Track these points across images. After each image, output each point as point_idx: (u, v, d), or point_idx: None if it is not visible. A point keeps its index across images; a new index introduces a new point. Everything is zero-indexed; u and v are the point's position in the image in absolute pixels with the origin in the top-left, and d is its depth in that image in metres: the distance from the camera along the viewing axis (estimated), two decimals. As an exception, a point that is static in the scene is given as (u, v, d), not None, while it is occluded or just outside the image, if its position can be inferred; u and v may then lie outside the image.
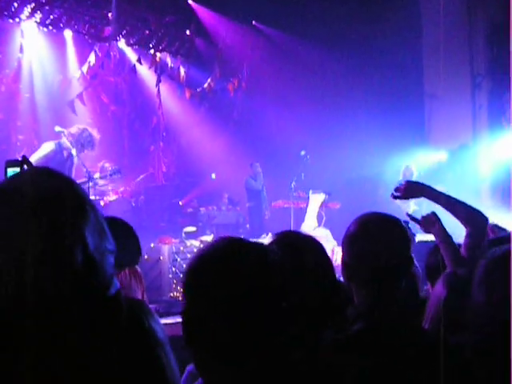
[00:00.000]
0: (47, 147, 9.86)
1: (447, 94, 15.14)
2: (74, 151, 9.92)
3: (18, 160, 2.38)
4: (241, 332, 1.65)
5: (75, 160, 10.06)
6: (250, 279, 1.68)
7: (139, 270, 5.56)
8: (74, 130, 10.18)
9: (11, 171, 2.34)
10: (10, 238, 1.50)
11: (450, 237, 3.71)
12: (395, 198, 3.92)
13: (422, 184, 3.95)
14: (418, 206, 13.81)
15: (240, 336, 1.65)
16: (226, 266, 1.69)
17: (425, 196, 3.84)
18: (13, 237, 1.50)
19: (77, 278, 1.52)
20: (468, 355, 2.39)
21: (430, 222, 3.75)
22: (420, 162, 14.66)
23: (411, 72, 15.27)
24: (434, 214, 3.81)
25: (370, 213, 2.82)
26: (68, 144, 9.86)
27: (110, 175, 10.76)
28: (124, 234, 5.19)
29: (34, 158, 9.38)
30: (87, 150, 10.24)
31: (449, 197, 3.80)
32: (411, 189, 3.89)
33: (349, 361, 2.18)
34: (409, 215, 3.96)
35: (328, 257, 2.54)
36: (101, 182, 11.03)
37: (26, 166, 2.35)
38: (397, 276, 2.60)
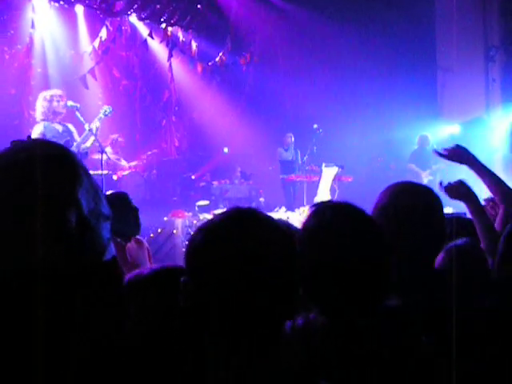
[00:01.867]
0: (38, 128, 9.36)
1: (460, 67, 15.06)
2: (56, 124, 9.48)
3: (23, 141, 2.40)
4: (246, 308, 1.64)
5: (70, 127, 9.67)
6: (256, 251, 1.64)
7: (145, 242, 5.64)
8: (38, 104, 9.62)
9: None
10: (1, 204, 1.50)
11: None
12: (440, 155, 3.81)
13: (471, 153, 3.80)
14: (433, 176, 13.85)
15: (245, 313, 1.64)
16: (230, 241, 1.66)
17: (469, 165, 3.71)
18: (4, 202, 1.50)
19: (71, 241, 1.51)
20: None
21: (459, 190, 3.66)
22: (433, 134, 14.64)
23: (424, 45, 15.18)
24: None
25: (403, 182, 2.76)
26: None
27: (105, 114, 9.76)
28: (122, 206, 5.27)
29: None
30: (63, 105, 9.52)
31: (493, 174, 3.69)
32: (460, 154, 3.76)
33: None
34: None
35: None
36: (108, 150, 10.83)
37: None
38: (433, 246, 2.58)
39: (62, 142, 8.71)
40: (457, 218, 3.92)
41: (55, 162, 1.58)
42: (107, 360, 1.57)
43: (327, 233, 2.12)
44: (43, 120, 9.35)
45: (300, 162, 13.89)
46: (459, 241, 3.22)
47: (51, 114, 9.38)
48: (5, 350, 1.48)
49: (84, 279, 1.54)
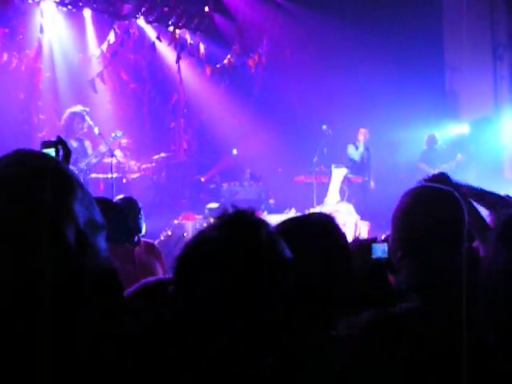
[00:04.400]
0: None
1: (468, 66, 15.03)
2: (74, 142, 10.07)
3: (53, 141, 2.41)
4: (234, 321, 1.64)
5: (86, 143, 10.35)
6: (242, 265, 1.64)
7: (157, 246, 5.66)
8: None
9: (46, 152, 2.38)
10: None
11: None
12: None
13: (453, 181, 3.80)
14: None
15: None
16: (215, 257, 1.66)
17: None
18: None
19: (70, 256, 1.49)
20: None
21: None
22: (442, 134, 14.62)
23: (432, 43, 15.13)
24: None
25: (424, 186, 2.76)
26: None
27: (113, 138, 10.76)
28: (130, 211, 5.29)
29: None
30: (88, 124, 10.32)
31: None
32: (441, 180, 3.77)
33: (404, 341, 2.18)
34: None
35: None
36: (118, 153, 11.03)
37: (60, 146, 2.38)
38: (453, 250, 2.55)
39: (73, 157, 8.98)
40: None
41: (48, 175, 1.56)
42: (109, 368, 1.57)
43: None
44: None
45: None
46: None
47: (70, 131, 10.05)
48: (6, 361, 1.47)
49: (83, 292, 1.53)
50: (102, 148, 10.28)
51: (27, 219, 1.48)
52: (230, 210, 1.76)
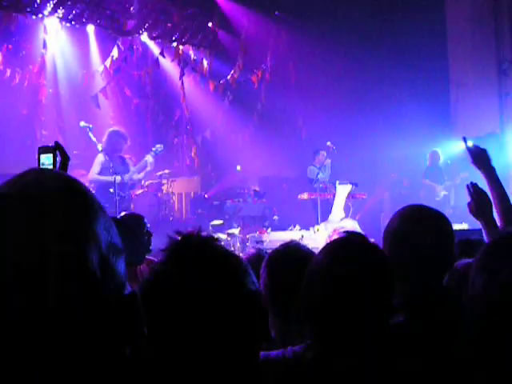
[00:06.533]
0: (100, 157, 10.44)
1: (473, 82, 14.99)
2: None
3: (50, 146, 2.35)
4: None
5: (127, 160, 10.96)
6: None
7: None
8: (103, 138, 10.66)
9: (44, 157, 2.33)
10: (9, 248, 1.38)
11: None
12: (466, 144, 3.86)
13: (490, 159, 3.83)
14: (447, 191, 13.78)
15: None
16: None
17: (484, 169, 3.75)
18: (17, 241, 1.39)
19: (94, 282, 1.42)
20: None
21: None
22: (446, 150, 14.57)
23: (437, 60, 15.11)
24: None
25: (413, 205, 2.76)
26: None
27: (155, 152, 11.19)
28: (137, 228, 5.23)
29: (94, 171, 10.40)
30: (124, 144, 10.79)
31: (502, 187, 3.71)
32: (481, 155, 3.82)
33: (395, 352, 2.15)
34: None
35: None
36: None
37: (58, 152, 2.32)
38: (441, 270, 2.58)
39: (116, 171, 10.26)
40: (466, 240, 3.92)
41: (69, 196, 1.47)
42: None
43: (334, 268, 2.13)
44: (104, 152, 10.37)
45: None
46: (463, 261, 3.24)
47: (111, 150, 10.47)
48: None
49: (104, 319, 1.44)
50: (147, 159, 10.90)
51: (45, 243, 1.38)
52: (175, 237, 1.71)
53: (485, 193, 3.67)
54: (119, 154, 10.69)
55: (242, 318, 1.63)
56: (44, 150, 2.34)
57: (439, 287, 2.54)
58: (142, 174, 11.03)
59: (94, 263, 1.42)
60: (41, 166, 2.31)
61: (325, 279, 2.10)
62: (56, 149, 2.33)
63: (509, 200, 3.65)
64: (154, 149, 11.08)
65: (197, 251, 1.67)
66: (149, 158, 10.90)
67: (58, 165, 2.32)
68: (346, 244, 2.22)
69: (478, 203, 3.62)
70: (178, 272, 1.64)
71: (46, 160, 2.33)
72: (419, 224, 2.59)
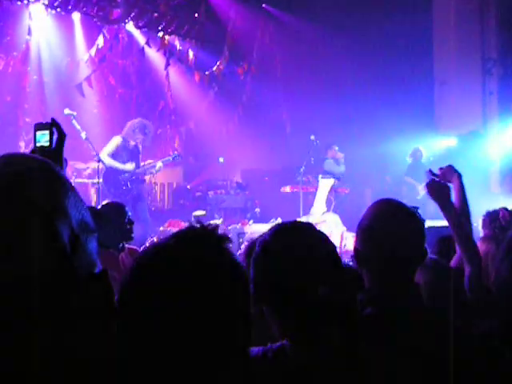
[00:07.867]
0: (116, 140, 10.67)
1: (457, 80, 15.05)
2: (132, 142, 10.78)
3: (46, 123, 2.32)
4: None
5: (140, 148, 10.99)
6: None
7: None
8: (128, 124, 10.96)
9: (40, 134, 2.30)
10: None
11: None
12: (432, 175, 3.68)
13: (460, 175, 3.69)
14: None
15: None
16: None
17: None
18: None
19: (63, 255, 1.44)
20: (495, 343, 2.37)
21: (450, 173, 3.63)
22: (429, 147, 14.62)
23: (421, 57, 15.16)
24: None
25: (385, 201, 2.70)
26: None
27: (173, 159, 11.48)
28: (117, 216, 5.29)
29: (107, 150, 10.53)
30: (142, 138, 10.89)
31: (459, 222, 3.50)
32: (448, 172, 3.69)
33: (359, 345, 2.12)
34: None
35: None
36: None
37: (55, 129, 2.30)
38: (410, 267, 2.56)
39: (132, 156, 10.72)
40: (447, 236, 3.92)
41: (41, 175, 1.52)
42: (98, 372, 1.51)
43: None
44: (123, 136, 10.73)
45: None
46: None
47: (129, 138, 10.75)
48: None
49: (75, 293, 1.48)
50: (158, 165, 11.14)
51: (21, 216, 1.43)
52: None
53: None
54: (136, 146, 10.85)
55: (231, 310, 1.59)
56: (40, 126, 2.30)
57: (408, 283, 2.52)
58: (154, 170, 11.29)
59: (63, 236, 1.45)
60: (36, 144, 2.29)
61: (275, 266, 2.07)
62: (52, 126, 2.31)
63: (467, 228, 3.49)
64: (172, 154, 11.74)
65: (210, 242, 1.62)
66: (159, 164, 11.16)
67: (54, 142, 2.30)
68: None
69: (438, 184, 3.56)
70: (181, 251, 1.59)
71: (42, 137, 2.29)
72: (390, 220, 2.57)
